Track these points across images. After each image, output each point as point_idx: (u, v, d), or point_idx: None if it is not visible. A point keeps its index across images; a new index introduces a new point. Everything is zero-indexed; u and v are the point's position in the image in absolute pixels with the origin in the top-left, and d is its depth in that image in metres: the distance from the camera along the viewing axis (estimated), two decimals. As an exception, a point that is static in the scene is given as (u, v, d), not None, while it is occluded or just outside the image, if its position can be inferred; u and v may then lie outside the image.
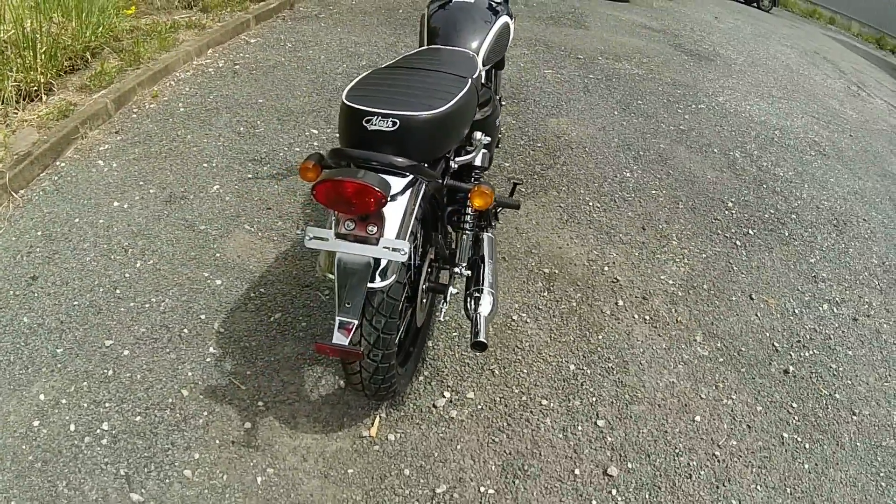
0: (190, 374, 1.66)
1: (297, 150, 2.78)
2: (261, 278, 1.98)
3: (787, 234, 2.93)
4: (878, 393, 2.11)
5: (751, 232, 2.86)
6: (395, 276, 1.18)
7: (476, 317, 1.33)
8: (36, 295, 1.83)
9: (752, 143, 3.95)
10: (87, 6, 3.20)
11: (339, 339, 1.14)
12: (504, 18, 1.98)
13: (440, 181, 1.36)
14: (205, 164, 2.57)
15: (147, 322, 1.79)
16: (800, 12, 16.81)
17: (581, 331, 1.95)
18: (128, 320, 1.78)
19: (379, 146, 1.22)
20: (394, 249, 1.15)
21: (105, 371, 1.62)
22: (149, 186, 2.39)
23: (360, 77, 1.39)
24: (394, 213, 1.16)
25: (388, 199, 1.11)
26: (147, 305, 1.84)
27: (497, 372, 1.71)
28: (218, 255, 2.04)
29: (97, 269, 1.95)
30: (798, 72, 6.66)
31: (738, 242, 2.73)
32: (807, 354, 2.18)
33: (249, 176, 2.52)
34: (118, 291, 1.87)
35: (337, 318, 1.15)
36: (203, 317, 1.84)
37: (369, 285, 1.15)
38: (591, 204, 2.75)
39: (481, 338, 1.27)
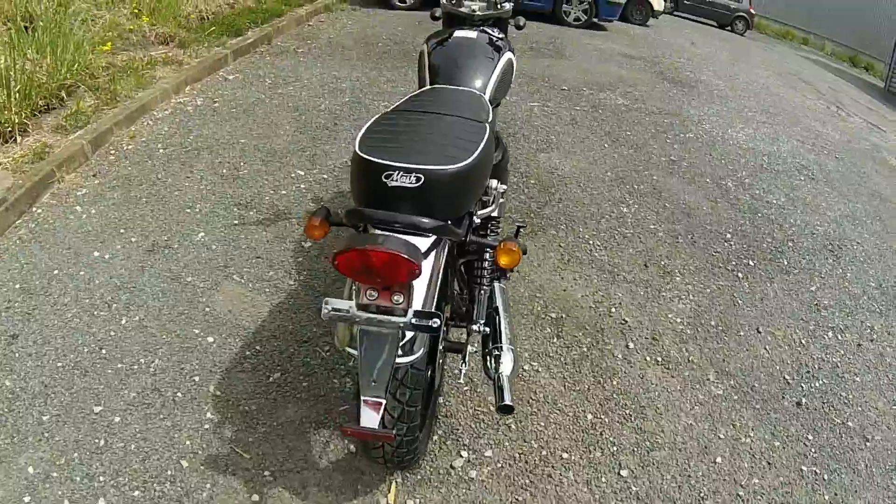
0: (188, 442, 1.69)
1: (284, 193, 2.87)
2: (255, 334, 2.04)
3: (786, 263, 3.13)
4: (888, 417, 2.30)
5: (751, 263, 3.04)
6: (423, 348, 1.18)
7: (499, 377, 1.29)
8: (17, 356, 1.85)
9: (743, 171, 4.21)
10: (62, 42, 3.30)
11: (369, 420, 1.10)
12: (508, 55, 2.04)
13: (464, 238, 1.34)
14: (188, 210, 2.63)
15: (137, 385, 1.82)
16: (773, 34, 18.00)
17: (595, 377, 2.06)
18: (116, 383, 1.81)
19: (401, 204, 1.19)
20: (425, 321, 1.12)
21: (96, 440, 1.64)
22: (130, 234, 2.44)
23: (369, 123, 1.38)
24: (420, 279, 1.11)
25: (421, 269, 1.07)
26: (136, 367, 1.87)
27: (514, 426, 1.79)
28: (207, 309, 2.10)
29: (80, 327, 1.98)
30: (778, 94, 7.13)
31: (739, 275, 2.91)
32: (817, 385, 2.33)
33: (235, 222, 2.59)
34: (104, 351, 1.91)
35: (362, 397, 1.12)
36: (197, 378, 1.88)
37: (397, 360, 1.13)
38: (591, 242, 2.90)
39: (507, 401, 1.24)
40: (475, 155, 1.29)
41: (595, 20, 8.17)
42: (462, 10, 2.16)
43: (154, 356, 1.92)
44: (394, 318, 1.13)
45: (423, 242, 1.21)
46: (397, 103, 1.59)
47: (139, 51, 4.11)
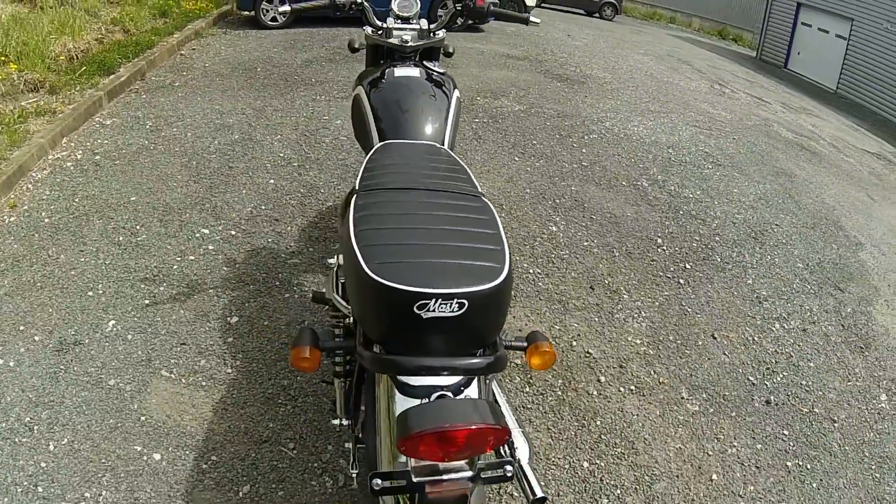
0: None
1: (192, 258, 2.86)
2: (206, 442, 2.02)
3: (719, 260, 3.61)
4: (846, 394, 2.81)
5: (687, 266, 3.48)
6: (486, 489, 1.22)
7: (520, 469, 1.25)
8: None
9: (653, 168, 4.76)
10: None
11: None
12: (456, 93, 2.12)
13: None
14: (90, 293, 2.55)
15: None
16: (640, 16, 20.23)
17: (578, 421, 2.28)
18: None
19: (439, 338, 1.16)
20: (499, 470, 1.12)
21: None
22: (32, 331, 2.34)
23: (358, 226, 1.29)
24: None
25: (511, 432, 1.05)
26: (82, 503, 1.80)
27: (515, 493, 1.95)
28: (143, 417, 2.05)
29: (5, 461, 1.87)
30: (663, 80, 8.07)
31: (681, 280, 3.32)
32: (778, 379, 2.75)
33: (146, 302, 2.55)
34: (40, 489, 1.81)
35: None
36: (154, 510, 1.84)
37: None
38: (531, 271, 3.16)
39: (539, 493, 1.20)
40: (507, 253, 1.27)
41: (469, 22, 8.74)
42: (391, 40, 2.22)
43: (99, 487, 1.84)
44: (463, 475, 1.11)
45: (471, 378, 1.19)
46: (363, 175, 1.56)
47: (8, 102, 4.09)
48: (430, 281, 1.14)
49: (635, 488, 2.06)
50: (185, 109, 4.50)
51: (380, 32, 2.26)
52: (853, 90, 14.29)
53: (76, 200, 3.17)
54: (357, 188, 1.50)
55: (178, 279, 2.71)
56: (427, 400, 1.13)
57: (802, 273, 3.74)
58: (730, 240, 3.91)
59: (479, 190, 1.54)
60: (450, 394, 1.15)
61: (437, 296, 1.12)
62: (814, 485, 2.26)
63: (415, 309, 1.12)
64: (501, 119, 5.21)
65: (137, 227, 3.01)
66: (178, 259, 2.84)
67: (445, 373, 1.16)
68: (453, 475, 1.10)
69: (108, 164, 3.57)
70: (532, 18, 2.28)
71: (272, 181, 3.60)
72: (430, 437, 1.00)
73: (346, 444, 1.57)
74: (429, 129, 1.93)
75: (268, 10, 7.50)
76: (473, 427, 1.01)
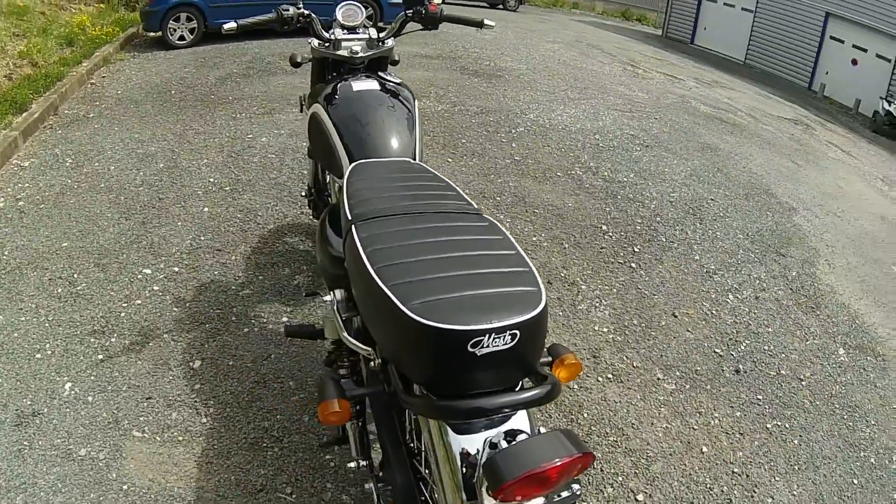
0: None
1: (139, 302, 2.79)
2: (198, 501, 1.98)
3: (664, 240, 3.87)
4: (807, 353, 3.12)
5: (636, 249, 3.71)
6: None
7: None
8: None
9: (584, 155, 5.03)
10: None
11: None
12: (416, 103, 2.21)
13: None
14: (38, 356, 2.45)
15: None
16: (543, 4, 21.05)
17: (566, 416, 2.42)
18: None
19: (492, 373, 1.18)
20: (568, 489, 1.19)
21: None
22: None
23: (371, 257, 1.31)
24: None
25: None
26: None
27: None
28: (125, 486, 1.99)
29: None
30: (576, 66, 8.49)
31: (633, 265, 3.54)
32: (742, 348, 3.01)
33: (100, 357, 2.47)
34: None
35: None
36: None
37: None
38: (486, 275, 3.27)
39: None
40: (537, 274, 1.31)
41: (381, 24, 8.89)
42: (341, 52, 2.27)
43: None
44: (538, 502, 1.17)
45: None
46: (350, 203, 1.56)
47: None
48: (480, 316, 1.15)
49: (635, 472, 2.21)
50: (103, 142, 4.39)
51: (326, 45, 2.30)
52: (762, 60, 15.54)
53: (6, 253, 3.02)
54: (351, 217, 1.50)
55: (128, 327, 2.65)
56: (505, 443, 1.16)
57: (744, 243, 4.06)
58: (670, 219, 4.19)
59: (475, 206, 1.60)
60: (523, 432, 1.20)
61: (490, 331, 1.13)
62: (795, 441, 2.51)
63: (469, 347, 1.13)
64: (427, 121, 5.33)
65: (75, 276, 2.91)
66: (125, 305, 2.77)
67: (507, 410, 1.19)
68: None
69: (33, 210, 3.44)
70: (486, 21, 2.39)
71: (206, 209, 3.57)
72: (526, 480, 1.04)
73: (367, 485, 1.60)
74: (399, 144, 1.98)
75: (175, 30, 7.56)
76: (566, 461, 1.05)
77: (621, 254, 3.68)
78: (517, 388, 1.24)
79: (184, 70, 6.46)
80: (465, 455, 1.18)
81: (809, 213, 4.83)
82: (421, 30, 2.39)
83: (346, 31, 2.31)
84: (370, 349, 1.41)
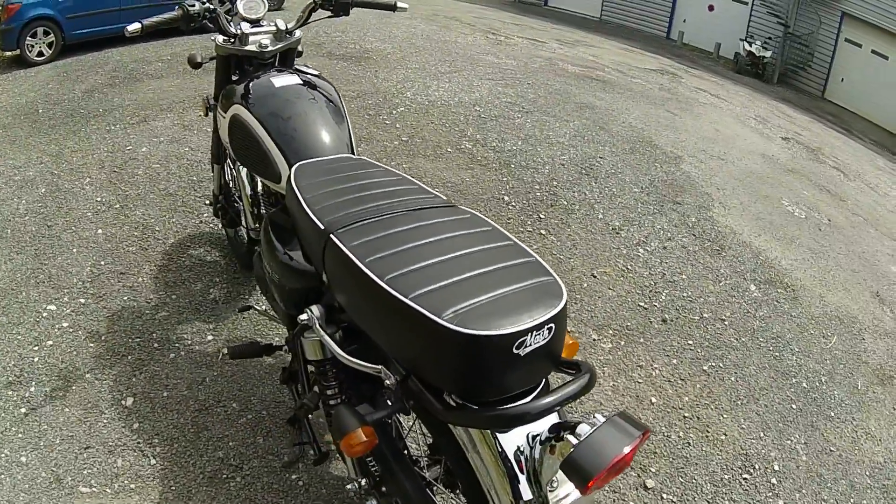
0: None
1: (50, 343, 2.65)
2: None
3: (566, 203, 4.07)
4: (722, 294, 3.45)
5: (542, 216, 3.88)
6: None
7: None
8: None
9: (469, 128, 5.16)
10: None
11: None
12: (339, 94, 2.23)
13: None
14: None
15: None
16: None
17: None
18: None
19: (534, 370, 1.23)
20: None
21: None
22: None
23: (374, 268, 1.30)
24: None
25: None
26: None
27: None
28: None
29: None
30: (440, 39, 8.64)
31: (542, 231, 3.71)
32: (664, 297, 3.24)
33: (23, 410, 2.34)
34: None
35: None
36: None
37: None
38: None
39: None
40: (541, 260, 1.38)
41: (328, 17, 8.67)
42: (249, 47, 2.23)
43: None
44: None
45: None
46: (315, 210, 1.55)
47: None
48: (518, 316, 1.18)
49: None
50: (-23, 173, 4.02)
51: (232, 42, 2.24)
52: (618, 15, 16.52)
53: None
54: (325, 227, 1.48)
55: (45, 373, 2.49)
56: (581, 433, 1.16)
57: (640, 196, 4.33)
58: (566, 181, 4.39)
59: (444, 198, 1.64)
60: (566, 422, 1.22)
61: (531, 329, 1.17)
62: (732, 379, 2.80)
63: (514, 349, 1.16)
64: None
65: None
66: (36, 349, 2.60)
67: (559, 408, 1.22)
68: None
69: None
70: (399, 4, 2.40)
71: (100, 231, 3.41)
72: (610, 469, 1.07)
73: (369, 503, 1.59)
74: (334, 140, 1.98)
75: (33, 46, 7.42)
76: (636, 442, 1.10)
77: (528, 222, 3.82)
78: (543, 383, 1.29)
79: (47, 87, 6.16)
80: (510, 454, 1.21)
81: (695, 160, 5.23)
82: (330, 17, 2.36)
83: (250, 24, 2.26)
84: (379, 367, 1.37)
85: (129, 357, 2.60)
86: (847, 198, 5.81)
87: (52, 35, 7.68)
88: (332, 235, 1.43)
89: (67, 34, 7.69)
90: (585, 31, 13.47)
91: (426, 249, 1.37)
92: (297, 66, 2.32)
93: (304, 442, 1.90)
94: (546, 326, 1.18)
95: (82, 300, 2.90)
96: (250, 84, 2.16)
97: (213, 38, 2.31)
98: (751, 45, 13.08)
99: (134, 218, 3.56)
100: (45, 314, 2.81)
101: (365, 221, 1.48)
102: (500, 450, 1.22)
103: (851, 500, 2.50)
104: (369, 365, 1.39)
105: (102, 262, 3.15)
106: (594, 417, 1.20)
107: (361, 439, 1.27)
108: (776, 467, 2.48)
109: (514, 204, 4.03)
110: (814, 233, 4.53)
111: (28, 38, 7.45)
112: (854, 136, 11.11)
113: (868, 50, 13.43)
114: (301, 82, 2.15)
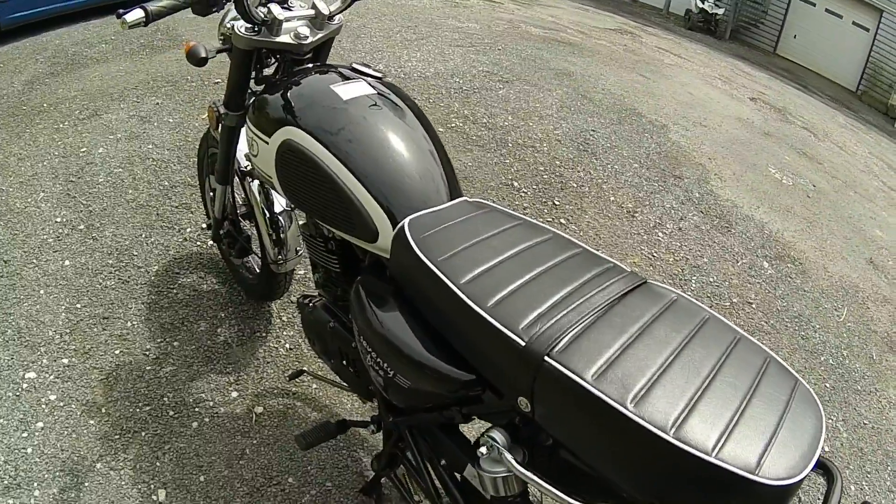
0: None
1: (42, 427, 2.20)
2: None
3: (575, 185, 4.14)
4: (743, 276, 3.59)
5: (556, 202, 3.94)
6: None
7: None
8: None
9: (455, 103, 5.12)
10: None
11: None
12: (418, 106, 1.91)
13: None
14: None
15: None
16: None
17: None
18: None
19: None
20: None
21: None
22: None
23: (652, 396, 1.02)
24: None
25: None
26: None
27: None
28: None
29: None
30: (398, 4, 8.46)
31: (562, 220, 3.79)
32: (693, 284, 3.37)
33: None
34: None
35: None
36: None
37: None
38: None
39: None
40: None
41: None
42: (281, 38, 1.75)
43: None
44: None
45: None
46: (470, 292, 1.22)
47: None
48: (794, 461, 1.02)
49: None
50: None
51: (258, 31, 1.74)
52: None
53: None
54: (537, 347, 1.11)
55: (46, 469, 2.06)
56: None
57: (641, 171, 4.43)
58: (568, 159, 4.44)
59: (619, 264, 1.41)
60: None
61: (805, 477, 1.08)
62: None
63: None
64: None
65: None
66: (26, 437, 2.14)
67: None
68: None
69: None
70: None
71: (67, 262, 2.89)
72: None
73: None
74: (442, 178, 1.56)
75: None
76: None
77: (545, 210, 3.86)
78: None
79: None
80: None
81: (679, 128, 5.35)
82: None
83: (279, 6, 1.77)
84: None
85: (143, 434, 2.18)
86: (823, 160, 6.09)
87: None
88: (547, 359, 1.08)
89: (2, 19, 6.99)
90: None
91: (670, 363, 1.09)
92: (355, 67, 1.81)
93: None
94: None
95: (65, 360, 2.42)
96: (301, 93, 1.67)
97: (226, 23, 1.86)
98: (703, 2, 13.44)
99: (104, 241, 3.04)
100: (24, 385, 2.31)
101: (575, 330, 1.14)
102: None
103: (889, 469, 2.73)
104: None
105: (78, 305, 2.66)
106: None
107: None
108: (826, 448, 2.66)
109: (524, 190, 4.05)
110: (804, 200, 4.75)
111: None
112: (812, 92, 11.59)
113: (822, 9, 14.18)
114: (375, 92, 1.66)
